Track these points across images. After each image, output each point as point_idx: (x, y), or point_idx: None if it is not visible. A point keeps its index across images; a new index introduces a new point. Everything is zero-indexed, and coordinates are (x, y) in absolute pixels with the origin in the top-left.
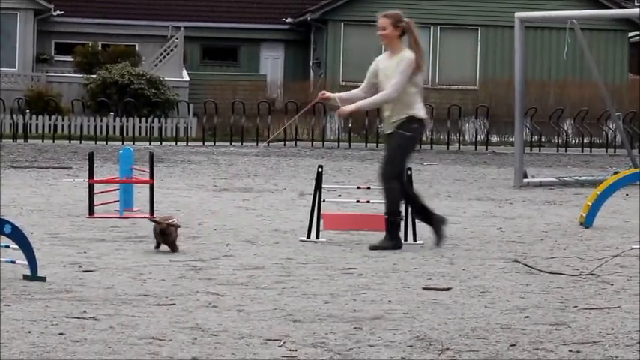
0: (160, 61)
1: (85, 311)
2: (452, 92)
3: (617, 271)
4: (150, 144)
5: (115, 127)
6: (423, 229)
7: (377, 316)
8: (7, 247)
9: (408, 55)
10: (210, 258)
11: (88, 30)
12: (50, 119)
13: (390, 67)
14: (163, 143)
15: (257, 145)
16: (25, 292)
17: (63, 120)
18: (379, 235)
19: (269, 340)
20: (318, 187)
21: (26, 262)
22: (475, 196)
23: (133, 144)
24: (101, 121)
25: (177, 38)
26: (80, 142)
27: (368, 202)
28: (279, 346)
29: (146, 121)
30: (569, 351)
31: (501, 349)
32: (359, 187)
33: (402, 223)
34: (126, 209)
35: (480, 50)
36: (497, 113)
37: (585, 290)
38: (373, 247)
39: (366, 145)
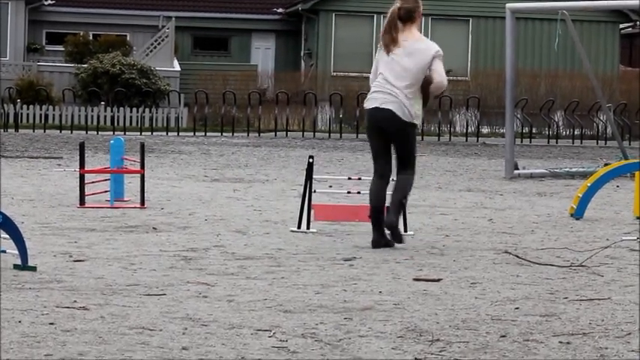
0: (151, 51)
1: (75, 301)
2: None
3: (607, 262)
4: (141, 134)
5: (105, 116)
6: (414, 220)
7: (367, 306)
8: None
9: None
10: (200, 248)
11: (80, 20)
12: (41, 109)
13: None
14: (154, 133)
15: (248, 135)
16: (15, 281)
17: (54, 110)
18: (370, 226)
19: (259, 330)
20: (308, 177)
21: (17, 252)
22: (466, 187)
23: (124, 134)
24: (92, 110)
25: (168, 28)
26: (71, 132)
27: (359, 192)
28: (270, 337)
29: (137, 111)
30: (560, 342)
31: (491, 340)
32: (350, 178)
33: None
34: (117, 199)
35: (471, 41)
36: (488, 104)
37: (575, 282)
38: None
39: (357, 136)
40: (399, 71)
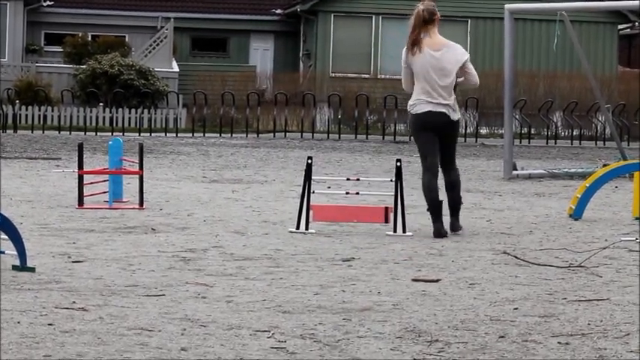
0: (150, 52)
1: (74, 302)
2: None
3: (606, 263)
4: (139, 135)
5: (104, 117)
6: (413, 221)
7: (366, 307)
8: None
9: None
10: (199, 249)
11: (78, 20)
12: (40, 110)
13: None
14: (153, 134)
15: (247, 136)
16: (14, 282)
17: (52, 110)
18: (369, 227)
19: (258, 331)
20: (307, 178)
21: (15, 253)
22: (464, 188)
23: (123, 135)
24: (91, 111)
25: (166, 29)
26: (70, 133)
27: (357, 193)
28: (269, 338)
29: (135, 112)
30: (558, 343)
31: (490, 340)
32: (348, 179)
33: (392, 215)
34: (115, 200)
35: (470, 42)
36: (487, 105)
37: (574, 282)
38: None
39: (355, 137)
40: (437, 74)
